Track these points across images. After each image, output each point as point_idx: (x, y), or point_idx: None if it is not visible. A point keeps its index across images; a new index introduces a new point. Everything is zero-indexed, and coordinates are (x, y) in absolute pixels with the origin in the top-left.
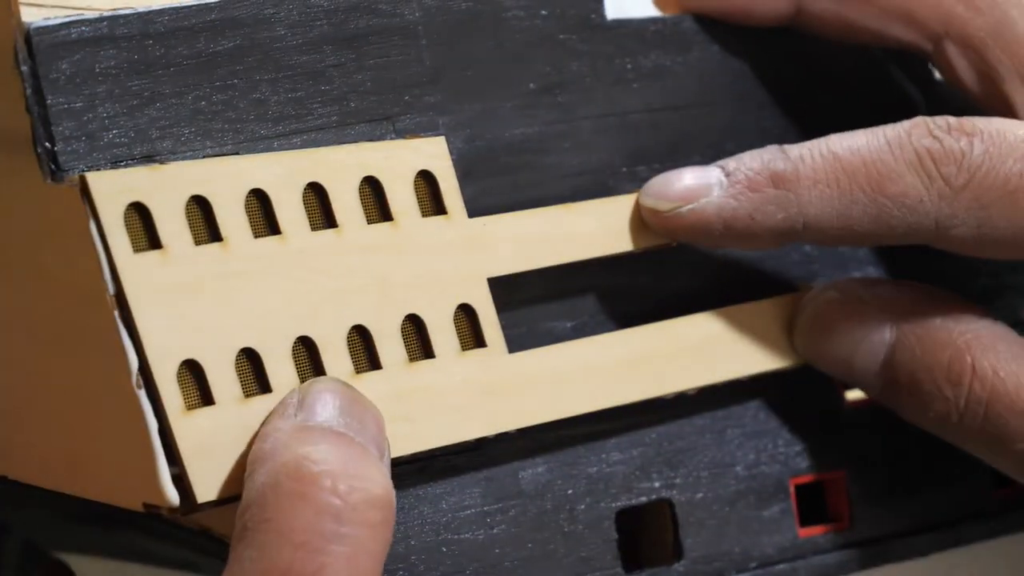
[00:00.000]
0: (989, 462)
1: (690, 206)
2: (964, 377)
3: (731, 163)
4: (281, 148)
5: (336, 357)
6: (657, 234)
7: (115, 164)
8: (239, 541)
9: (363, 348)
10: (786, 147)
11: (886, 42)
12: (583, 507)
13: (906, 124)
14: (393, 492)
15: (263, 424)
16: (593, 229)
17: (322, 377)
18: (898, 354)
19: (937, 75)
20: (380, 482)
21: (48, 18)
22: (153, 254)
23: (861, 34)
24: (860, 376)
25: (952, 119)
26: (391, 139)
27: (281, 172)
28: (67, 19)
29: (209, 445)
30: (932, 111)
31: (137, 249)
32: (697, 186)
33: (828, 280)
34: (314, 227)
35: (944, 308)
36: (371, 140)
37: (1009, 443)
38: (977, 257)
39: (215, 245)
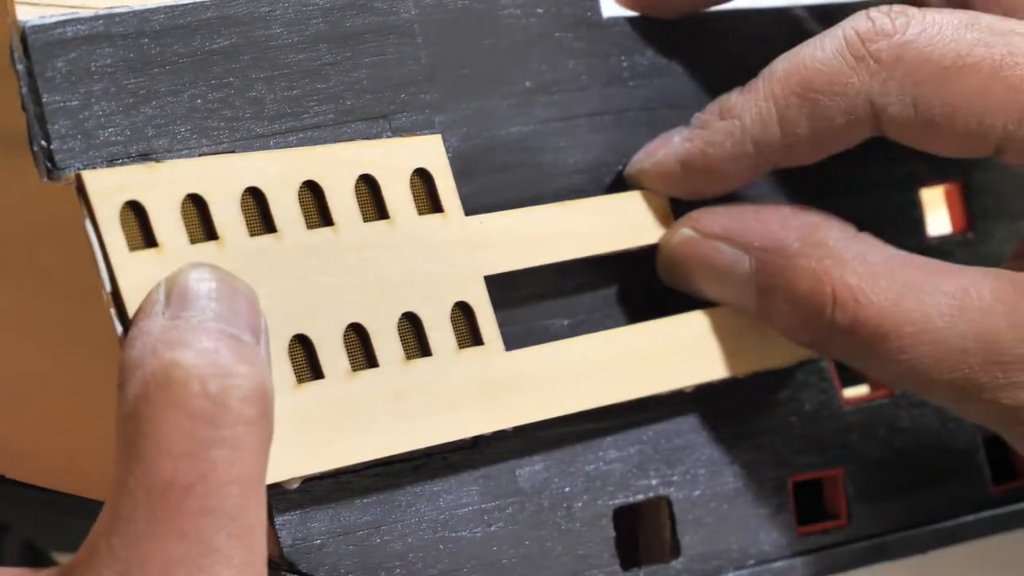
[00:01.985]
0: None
1: (654, 158)
2: (825, 308)
3: (696, 114)
4: (277, 146)
5: (333, 355)
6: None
7: (111, 162)
8: (122, 455)
9: (360, 346)
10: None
11: None
12: (580, 505)
13: (848, 18)
14: (268, 382)
15: (130, 326)
16: (590, 227)
17: (187, 265)
18: (762, 288)
19: None
20: (252, 375)
21: (44, 16)
22: (149, 252)
23: None
24: (741, 310)
25: (896, 5)
26: (387, 137)
27: (277, 170)
28: (63, 17)
29: None
30: None
31: (133, 247)
32: (660, 141)
33: None
34: (310, 225)
35: (802, 228)
36: (367, 138)
37: (881, 365)
38: (921, 149)
39: (211, 244)
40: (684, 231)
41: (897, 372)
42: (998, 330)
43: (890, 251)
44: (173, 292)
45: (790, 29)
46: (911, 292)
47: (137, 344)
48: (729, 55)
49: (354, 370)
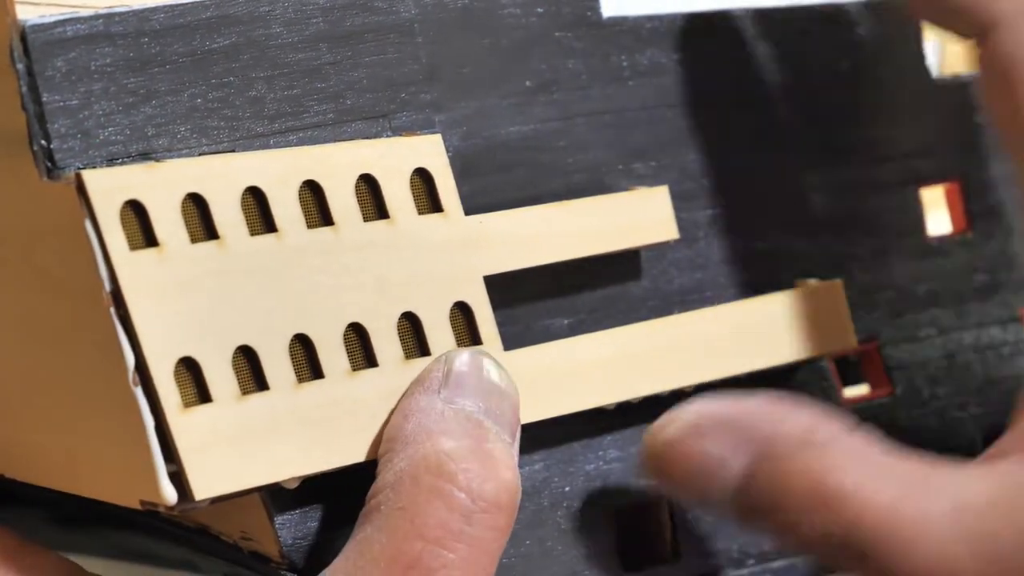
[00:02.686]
0: None
1: None
2: (825, 503)
3: None
4: (277, 146)
5: (332, 355)
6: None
7: (111, 162)
8: (369, 520)
9: (359, 346)
10: None
11: None
12: (581, 505)
13: None
14: (519, 489)
15: (405, 395)
16: (589, 226)
17: (468, 349)
18: (753, 486)
19: (935, 74)
20: (510, 483)
21: (43, 16)
22: (149, 252)
23: None
24: (716, 508)
25: None
26: (387, 136)
27: (277, 170)
28: (62, 17)
29: (206, 442)
30: (926, 115)
31: (133, 247)
32: None
33: (824, 279)
34: (310, 225)
35: (798, 426)
36: (367, 138)
37: (874, 561)
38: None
39: (211, 243)
40: (671, 429)
41: None
42: (996, 532)
43: (884, 447)
44: (451, 374)
45: (790, 29)
46: (911, 491)
47: (412, 419)
48: (729, 55)
49: (354, 370)
